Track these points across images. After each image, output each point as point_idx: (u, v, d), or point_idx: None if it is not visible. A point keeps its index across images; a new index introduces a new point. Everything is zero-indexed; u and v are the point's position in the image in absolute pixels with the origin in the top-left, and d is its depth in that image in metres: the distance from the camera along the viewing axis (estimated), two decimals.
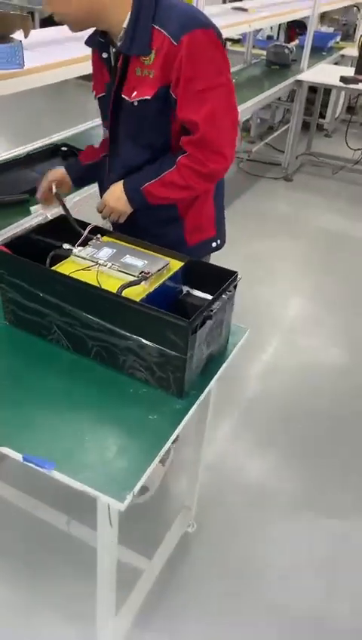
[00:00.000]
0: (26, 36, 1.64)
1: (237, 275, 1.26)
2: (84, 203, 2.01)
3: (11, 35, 1.60)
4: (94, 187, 2.13)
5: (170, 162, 1.41)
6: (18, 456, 1.05)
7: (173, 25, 1.29)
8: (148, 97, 1.34)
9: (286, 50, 4.71)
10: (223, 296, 1.21)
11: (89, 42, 1.44)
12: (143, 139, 1.43)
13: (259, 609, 1.68)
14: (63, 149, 2.37)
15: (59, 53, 1.87)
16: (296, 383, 2.56)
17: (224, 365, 1.33)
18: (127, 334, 1.18)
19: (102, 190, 1.59)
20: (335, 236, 3.94)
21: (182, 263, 1.32)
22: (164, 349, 1.15)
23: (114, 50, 1.39)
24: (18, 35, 1.64)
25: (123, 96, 1.39)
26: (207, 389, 1.24)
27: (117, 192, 1.47)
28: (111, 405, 1.17)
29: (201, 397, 1.22)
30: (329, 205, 4.42)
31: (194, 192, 1.49)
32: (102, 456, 1.06)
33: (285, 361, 2.69)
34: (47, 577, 1.69)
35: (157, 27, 1.30)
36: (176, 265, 1.31)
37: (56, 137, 2.57)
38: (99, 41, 1.41)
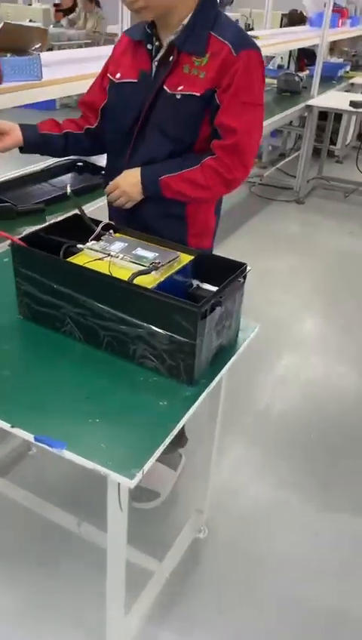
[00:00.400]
0: (43, 49, 1.72)
1: (246, 267, 1.29)
2: (100, 213, 2.06)
3: (30, 49, 1.68)
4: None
5: (194, 160, 1.48)
6: (30, 437, 1.06)
7: (232, 37, 1.41)
8: (197, 94, 1.42)
9: (297, 78, 4.83)
10: (232, 283, 1.23)
11: (133, 32, 1.52)
12: (173, 132, 1.48)
13: (272, 616, 1.64)
14: (79, 164, 2.45)
15: (73, 70, 1.95)
16: (306, 397, 2.56)
17: (234, 358, 1.34)
18: (138, 322, 1.20)
19: (116, 176, 1.58)
20: (347, 257, 3.97)
21: (192, 257, 1.35)
22: (174, 335, 1.16)
23: (157, 43, 1.47)
24: (36, 48, 1.72)
25: (165, 87, 1.45)
26: (217, 378, 1.25)
27: (132, 178, 1.51)
28: (122, 392, 1.19)
29: (211, 385, 1.23)
30: (341, 227, 4.46)
31: (208, 196, 1.56)
32: (113, 438, 1.07)
33: (296, 376, 2.69)
34: (57, 578, 1.68)
35: (215, 35, 1.41)
36: (186, 258, 1.34)
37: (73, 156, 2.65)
38: (147, 33, 1.48)
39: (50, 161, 2.41)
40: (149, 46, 1.49)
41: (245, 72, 1.40)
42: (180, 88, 1.43)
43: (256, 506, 1.97)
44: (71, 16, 8.59)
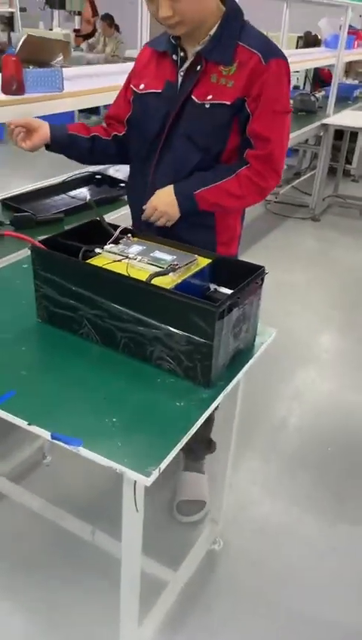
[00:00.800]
0: (65, 61, 1.76)
1: (264, 269, 1.29)
2: (119, 223, 2.08)
3: (52, 62, 1.72)
4: (127, 208, 2.22)
5: (227, 171, 1.50)
6: (47, 434, 1.06)
7: (261, 46, 1.42)
8: (227, 103, 1.43)
9: (313, 98, 4.88)
10: (250, 285, 1.23)
11: (157, 43, 1.54)
12: (201, 141, 1.49)
13: (286, 630, 1.60)
14: (97, 177, 2.48)
15: (93, 83, 1.99)
16: (322, 411, 2.53)
17: (251, 361, 1.33)
18: (155, 323, 1.20)
19: (142, 185, 1.59)
20: None
21: (210, 260, 1.35)
22: (191, 336, 1.16)
23: (182, 53, 1.48)
24: (58, 60, 1.77)
25: (193, 96, 1.46)
26: (234, 381, 1.25)
27: (166, 197, 1.51)
28: (139, 393, 1.18)
29: (229, 387, 1.22)
30: (358, 244, 4.45)
31: (244, 205, 1.60)
32: (129, 437, 1.06)
33: (311, 390, 2.66)
34: (70, 588, 1.66)
35: (242, 44, 1.42)
36: (203, 262, 1.35)
37: (92, 168, 2.69)
38: (171, 44, 1.49)
39: (69, 174, 2.46)
40: (174, 56, 1.50)
41: (275, 81, 1.42)
42: (209, 97, 1.45)
43: (271, 519, 1.94)
44: (91, 40, 8.79)
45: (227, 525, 1.85)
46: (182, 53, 1.49)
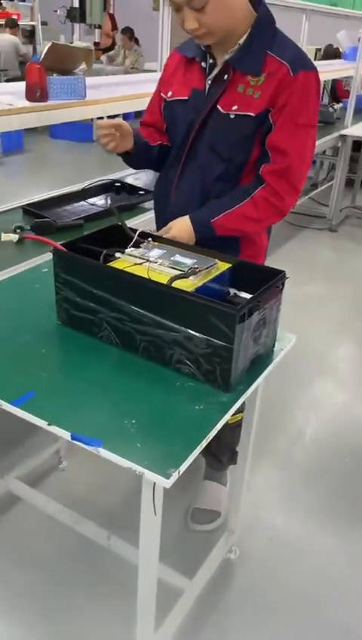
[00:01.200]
0: (88, 69, 1.79)
1: (284, 274, 1.28)
2: (148, 225, 2.09)
3: (75, 70, 1.74)
4: (146, 216, 2.24)
5: (242, 195, 1.46)
6: (67, 435, 1.06)
7: (291, 57, 1.38)
8: (252, 114, 1.39)
9: (331, 109, 4.89)
10: (270, 289, 1.23)
11: (187, 49, 1.51)
12: (226, 152, 1.46)
13: None
14: (117, 184, 2.51)
15: (115, 92, 2.02)
16: (339, 422, 2.50)
17: (271, 367, 1.32)
18: (175, 326, 1.20)
19: (166, 192, 1.58)
20: None
21: (230, 265, 1.35)
22: (211, 339, 1.16)
23: (211, 60, 1.45)
24: (81, 68, 1.79)
25: (218, 106, 1.43)
26: (254, 385, 1.24)
27: (182, 225, 1.48)
28: (158, 395, 1.18)
29: (248, 392, 1.22)
30: None
31: (263, 226, 1.55)
32: (149, 438, 1.06)
33: (329, 401, 2.64)
34: (85, 594, 1.65)
35: (272, 54, 1.38)
36: (223, 266, 1.35)
37: (113, 176, 2.72)
38: (201, 50, 1.46)
39: (89, 182, 2.48)
40: (203, 64, 1.47)
41: (302, 93, 1.38)
42: (234, 108, 1.41)
43: (287, 529, 1.92)
44: (110, 53, 8.92)
45: (243, 534, 1.83)
46: (211, 60, 1.46)
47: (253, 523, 1.92)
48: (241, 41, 1.40)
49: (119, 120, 1.51)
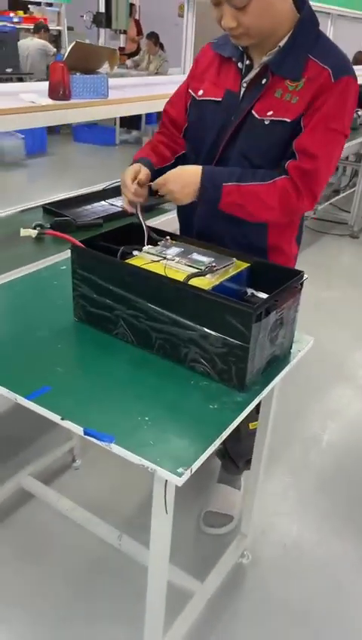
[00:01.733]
0: (111, 69, 1.79)
1: (303, 274, 1.27)
2: (167, 226, 2.09)
3: (98, 69, 1.75)
4: (166, 216, 2.23)
5: (264, 176, 1.36)
6: (79, 430, 1.06)
7: (333, 62, 1.30)
8: (288, 120, 1.32)
9: (355, 115, 4.85)
10: (289, 289, 1.21)
11: (222, 47, 1.42)
12: (257, 159, 1.39)
13: None
14: None
15: (139, 92, 2.02)
16: (356, 430, 2.46)
17: (287, 368, 1.30)
18: (191, 324, 1.19)
19: (188, 210, 1.48)
20: None
21: (248, 264, 1.34)
22: (227, 337, 1.15)
23: (248, 61, 1.38)
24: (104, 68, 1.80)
25: (253, 112, 1.35)
26: (270, 385, 1.22)
27: (188, 177, 1.35)
28: (172, 393, 1.17)
29: (264, 392, 1.20)
30: None
31: (268, 217, 1.42)
32: (162, 436, 1.05)
33: (347, 408, 2.60)
34: (93, 594, 1.64)
35: (313, 58, 1.30)
36: (241, 265, 1.33)
37: None
38: (239, 50, 1.39)
39: (109, 182, 2.49)
40: (240, 64, 1.39)
41: (339, 98, 1.30)
42: (270, 114, 1.33)
43: (302, 535, 1.89)
44: (135, 57, 8.98)
45: (256, 539, 1.81)
46: (248, 61, 1.38)
47: (267, 528, 1.89)
48: (282, 43, 1.32)
49: (135, 170, 1.43)
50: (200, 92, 1.45)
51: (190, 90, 1.49)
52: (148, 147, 1.55)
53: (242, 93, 1.39)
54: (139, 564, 1.57)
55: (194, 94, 1.47)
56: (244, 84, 1.39)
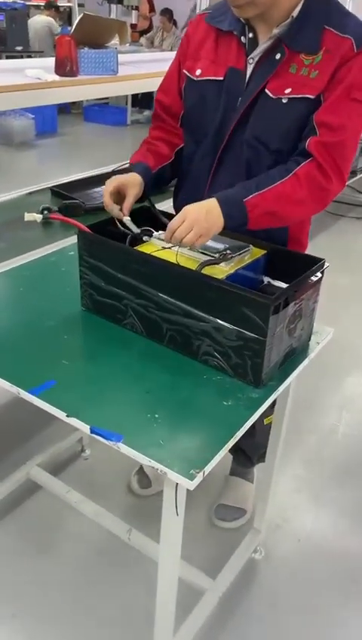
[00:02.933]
0: (122, 43, 1.70)
1: (324, 262, 1.19)
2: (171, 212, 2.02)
3: (107, 44, 1.66)
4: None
5: (282, 173, 1.24)
6: (86, 428, 1.00)
7: (354, 31, 1.19)
8: (311, 96, 1.20)
9: None
10: (308, 280, 1.14)
11: (219, 19, 1.29)
12: (274, 143, 1.27)
13: None
14: None
15: (151, 68, 1.93)
16: None
17: (305, 362, 1.24)
18: (204, 315, 1.12)
19: (194, 198, 1.29)
20: None
21: (265, 251, 1.26)
22: (242, 330, 1.08)
23: (251, 34, 1.25)
24: (114, 42, 1.71)
25: (266, 90, 1.23)
26: (287, 381, 1.16)
27: (203, 205, 1.20)
28: (184, 389, 1.11)
29: (281, 388, 1.14)
30: None
31: (302, 213, 1.32)
32: (173, 435, 0.99)
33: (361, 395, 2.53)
34: (101, 589, 1.60)
35: (330, 28, 1.19)
36: (258, 252, 1.26)
37: None
38: (241, 23, 1.25)
39: (119, 164, 2.41)
40: (243, 38, 1.26)
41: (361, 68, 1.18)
42: (288, 91, 1.21)
43: (316, 530, 1.83)
44: (148, 35, 8.81)
45: (269, 534, 1.76)
46: (250, 34, 1.25)
47: (281, 523, 1.84)
48: (295, 13, 1.20)
49: (117, 181, 1.31)
50: (198, 71, 1.31)
51: (184, 71, 1.35)
52: (143, 148, 1.44)
53: (250, 70, 1.26)
54: (150, 559, 1.53)
55: (190, 75, 1.33)
56: (251, 61, 1.26)
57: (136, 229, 1.28)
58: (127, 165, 1.41)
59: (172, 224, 1.18)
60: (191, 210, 1.19)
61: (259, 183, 1.23)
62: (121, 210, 1.31)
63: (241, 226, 1.23)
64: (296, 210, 1.28)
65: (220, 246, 1.22)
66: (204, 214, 1.18)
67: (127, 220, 1.28)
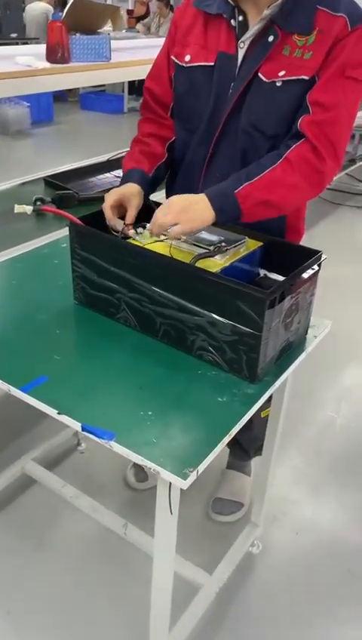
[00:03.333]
0: (116, 29, 1.66)
1: (321, 254, 1.16)
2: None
3: (100, 30, 1.62)
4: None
5: (271, 159, 1.20)
6: (77, 426, 0.98)
7: (346, 9, 1.16)
8: (306, 77, 1.17)
9: None
10: (305, 273, 1.11)
11: (207, 3, 1.24)
12: (271, 128, 1.23)
13: None
14: None
15: (144, 54, 1.88)
16: None
17: (302, 356, 1.21)
18: (198, 309, 1.10)
19: (187, 190, 1.25)
20: None
21: (261, 243, 1.24)
22: (237, 325, 1.06)
23: (240, 17, 1.21)
24: (107, 28, 1.67)
25: (259, 74, 1.20)
26: (283, 376, 1.14)
27: (190, 197, 1.17)
28: (178, 384, 1.09)
29: (277, 383, 1.11)
30: None
31: (298, 197, 1.27)
32: (166, 432, 0.97)
33: (360, 389, 2.51)
34: (97, 584, 1.59)
35: (322, 8, 1.16)
36: (253, 244, 1.23)
37: None
38: (229, 5, 1.21)
39: (113, 153, 2.38)
40: (233, 22, 1.22)
41: (357, 47, 1.16)
42: (282, 74, 1.18)
43: (314, 523, 1.82)
44: (145, 20, 8.70)
45: (267, 527, 1.75)
46: (240, 17, 1.21)
47: (278, 516, 1.83)
48: None
49: (117, 194, 1.27)
50: (187, 57, 1.27)
51: (173, 58, 1.31)
52: (135, 149, 1.39)
53: (242, 54, 1.22)
54: (145, 554, 1.52)
55: (178, 61, 1.30)
56: (242, 44, 1.22)
57: (142, 241, 1.23)
58: (124, 153, 1.36)
59: (156, 215, 1.15)
60: (176, 200, 1.17)
61: (250, 173, 1.20)
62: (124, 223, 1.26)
63: (235, 219, 1.20)
64: (290, 197, 1.23)
65: (215, 238, 1.20)
66: (188, 204, 1.15)
67: (133, 233, 1.23)
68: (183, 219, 1.14)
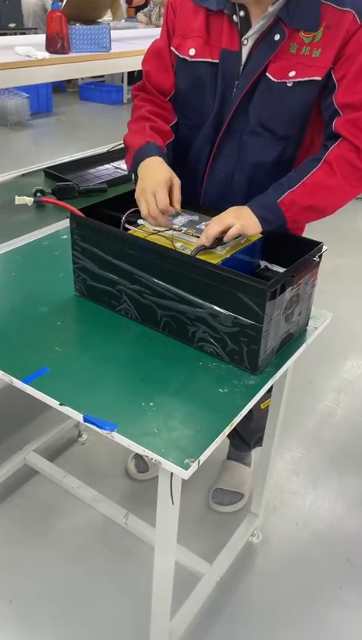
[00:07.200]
0: (116, 18, 1.65)
1: (322, 245, 1.17)
2: None
3: (99, 19, 1.61)
4: None
5: (310, 164, 1.19)
6: (79, 417, 0.99)
7: (353, 3, 1.14)
8: (318, 78, 1.16)
9: None
10: (306, 262, 1.11)
11: (207, 1, 1.20)
12: (283, 129, 1.22)
13: (328, 632, 1.51)
14: None
15: (145, 44, 1.87)
16: None
17: (303, 347, 1.22)
18: (199, 301, 1.10)
19: (187, 192, 1.27)
20: None
21: (261, 235, 1.23)
22: (238, 316, 1.06)
23: (242, 13, 1.18)
24: (107, 17, 1.66)
25: (268, 74, 1.17)
26: (284, 367, 1.14)
27: (236, 208, 1.19)
28: (179, 376, 1.09)
29: (278, 374, 1.12)
30: None
31: (342, 198, 1.23)
32: (168, 423, 0.98)
33: (361, 380, 2.52)
34: (98, 574, 1.61)
35: (327, 2, 1.14)
36: (254, 236, 1.23)
37: None
38: (231, 2, 1.18)
39: (114, 144, 2.36)
40: (235, 18, 1.19)
41: None
42: (292, 74, 1.16)
43: (314, 513, 1.83)
44: (145, 10, 8.61)
45: (267, 518, 1.76)
46: (241, 13, 1.18)
47: (278, 506, 1.84)
48: None
49: (164, 181, 1.21)
50: (192, 51, 1.23)
51: (173, 49, 1.27)
52: (145, 125, 1.29)
53: (246, 52, 1.20)
54: (147, 544, 1.53)
55: (181, 55, 1.26)
56: (246, 41, 1.19)
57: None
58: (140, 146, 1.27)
59: (209, 230, 1.14)
60: (226, 210, 1.17)
61: (290, 180, 1.19)
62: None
63: (280, 227, 1.20)
64: (334, 198, 1.22)
65: None
66: (239, 210, 1.17)
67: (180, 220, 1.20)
68: (241, 219, 1.15)
